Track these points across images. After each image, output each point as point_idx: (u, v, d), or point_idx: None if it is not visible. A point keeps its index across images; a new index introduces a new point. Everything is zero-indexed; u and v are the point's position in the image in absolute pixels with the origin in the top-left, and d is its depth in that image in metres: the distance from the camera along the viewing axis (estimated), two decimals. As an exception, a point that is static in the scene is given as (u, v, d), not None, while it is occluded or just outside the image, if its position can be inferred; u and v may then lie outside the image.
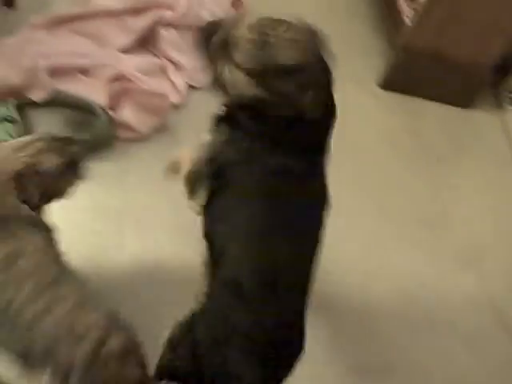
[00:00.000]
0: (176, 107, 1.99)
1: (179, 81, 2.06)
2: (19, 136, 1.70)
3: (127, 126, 1.86)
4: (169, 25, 2.15)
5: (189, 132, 1.88)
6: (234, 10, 2.32)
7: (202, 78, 2.03)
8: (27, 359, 1.12)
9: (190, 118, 1.97)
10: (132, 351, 1.11)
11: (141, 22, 2.12)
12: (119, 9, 2.13)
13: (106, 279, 1.53)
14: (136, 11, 2.14)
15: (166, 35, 2.12)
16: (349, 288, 1.72)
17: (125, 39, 2.09)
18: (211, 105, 1.30)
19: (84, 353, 1.06)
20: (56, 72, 1.88)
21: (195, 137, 1.34)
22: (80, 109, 1.84)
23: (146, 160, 1.83)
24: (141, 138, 1.87)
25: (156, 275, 1.59)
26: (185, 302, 1.24)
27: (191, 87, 2.08)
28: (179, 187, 1.35)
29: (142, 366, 1.12)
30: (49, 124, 1.80)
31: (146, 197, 1.75)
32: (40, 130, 1.77)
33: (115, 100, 1.89)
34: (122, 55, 2.04)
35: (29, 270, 1.14)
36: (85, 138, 1.75)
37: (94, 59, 1.98)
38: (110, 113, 1.84)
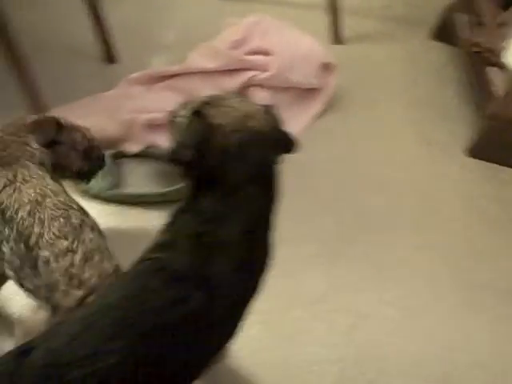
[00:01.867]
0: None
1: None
2: (111, 185, 1.79)
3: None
4: (259, 85, 2.22)
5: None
6: (325, 73, 2.36)
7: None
8: (36, 296, 1.22)
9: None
10: None
11: (233, 82, 2.19)
12: (212, 68, 2.21)
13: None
14: (229, 71, 2.22)
15: (257, 95, 2.18)
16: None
17: (216, 98, 2.16)
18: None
19: (67, 302, 1.16)
20: (149, 126, 1.97)
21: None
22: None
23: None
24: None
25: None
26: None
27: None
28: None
29: None
30: (138, 175, 1.88)
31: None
32: (130, 180, 1.85)
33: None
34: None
35: (55, 212, 1.25)
36: (165, 190, 1.82)
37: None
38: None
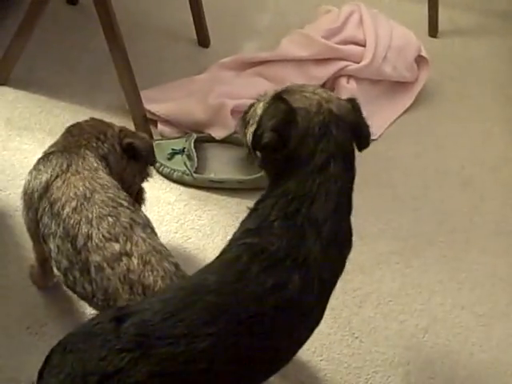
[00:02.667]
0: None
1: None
2: (193, 169, 1.83)
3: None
4: (350, 76, 2.20)
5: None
6: (418, 66, 2.31)
7: (375, 130, 2.04)
8: (89, 302, 1.18)
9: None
10: None
11: (324, 71, 2.17)
12: (304, 56, 2.20)
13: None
14: (320, 60, 2.21)
15: (347, 86, 2.16)
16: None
17: (306, 86, 2.15)
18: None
19: None
20: (238, 112, 1.99)
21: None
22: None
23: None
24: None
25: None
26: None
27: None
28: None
29: None
30: (221, 160, 1.92)
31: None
32: (212, 165, 1.89)
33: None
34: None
35: (104, 209, 1.18)
36: (246, 178, 1.84)
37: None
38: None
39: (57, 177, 1.24)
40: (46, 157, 1.32)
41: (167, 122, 1.99)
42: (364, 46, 2.24)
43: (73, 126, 1.40)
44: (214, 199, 1.83)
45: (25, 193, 1.32)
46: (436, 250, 1.81)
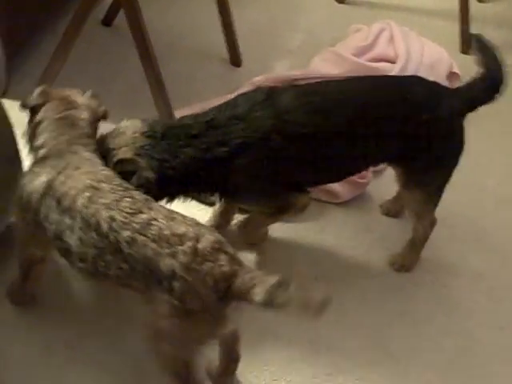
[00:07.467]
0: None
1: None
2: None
3: (331, 192, 1.90)
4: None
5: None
6: (450, 82, 2.30)
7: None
8: (131, 280, 1.21)
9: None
10: (222, 249, 1.18)
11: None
12: (335, 74, 2.19)
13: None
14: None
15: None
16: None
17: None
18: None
19: (183, 258, 1.14)
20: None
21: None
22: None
23: (340, 220, 1.87)
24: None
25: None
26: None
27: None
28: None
29: (234, 261, 1.18)
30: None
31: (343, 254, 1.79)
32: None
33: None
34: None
35: (117, 194, 1.23)
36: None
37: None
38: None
39: (58, 174, 1.26)
40: (41, 160, 1.33)
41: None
42: (395, 63, 2.23)
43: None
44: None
45: (20, 197, 1.32)
46: (472, 269, 1.79)
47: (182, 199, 1.52)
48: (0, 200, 1.50)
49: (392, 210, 1.88)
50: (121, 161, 1.39)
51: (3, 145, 1.49)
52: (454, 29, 2.57)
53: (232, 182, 1.46)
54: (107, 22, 2.39)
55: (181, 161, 1.40)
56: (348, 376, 1.50)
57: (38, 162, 1.34)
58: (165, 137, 1.42)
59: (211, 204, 1.76)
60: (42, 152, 1.34)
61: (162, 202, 1.43)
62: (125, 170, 1.37)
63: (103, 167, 1.32)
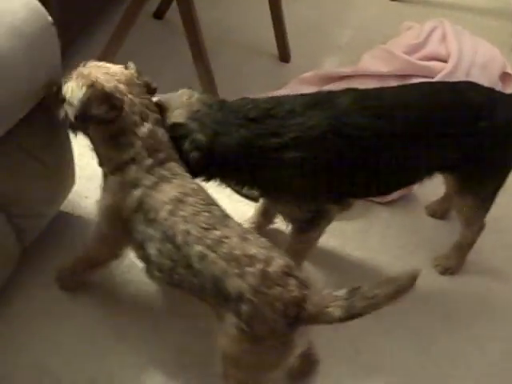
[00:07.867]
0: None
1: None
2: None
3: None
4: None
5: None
6: (502, 83, 2.25)
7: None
8: (201, 295, 1.22)
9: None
10: (291, 273, 1.17)
11: (404, 87, 2.15)
12: (385, 72, 2.18)
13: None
14: (402, 76, 2.18)
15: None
16: None
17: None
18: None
19: (251, 280, 1.14)
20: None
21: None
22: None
23: (386, 221, 1.86)
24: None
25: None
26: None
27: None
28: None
29: (303, 285, 1.17)
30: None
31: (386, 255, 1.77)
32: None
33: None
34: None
35: (197, 207, 1.23)
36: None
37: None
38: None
39: (149, 189, 1.26)
40: (128, 168, 1.29)
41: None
42: (447, 62, 2.20)
43: None
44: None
45: (111, 205, 1.31)
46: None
47: (218, 182, 1.47)
48: (50, 187, 1.53)
49: (438, 212, 1.87)
50: (173, 125, 1.37)
51: (55, 132, 1.52)
52: (508, 28, 2.52)
53: (274, 175, 1.44)
54: (159, 15, 2.42)
55: (232, 139, 1.37)
56: (389, 378, 1.49)
57: (125, 169, 1.29)
58: (222, 110, 1.40)
59: (255, 199, 1.76)
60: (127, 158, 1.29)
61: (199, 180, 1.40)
62: (177, 135, 1.36)
63: (191, 180, 1.31)
